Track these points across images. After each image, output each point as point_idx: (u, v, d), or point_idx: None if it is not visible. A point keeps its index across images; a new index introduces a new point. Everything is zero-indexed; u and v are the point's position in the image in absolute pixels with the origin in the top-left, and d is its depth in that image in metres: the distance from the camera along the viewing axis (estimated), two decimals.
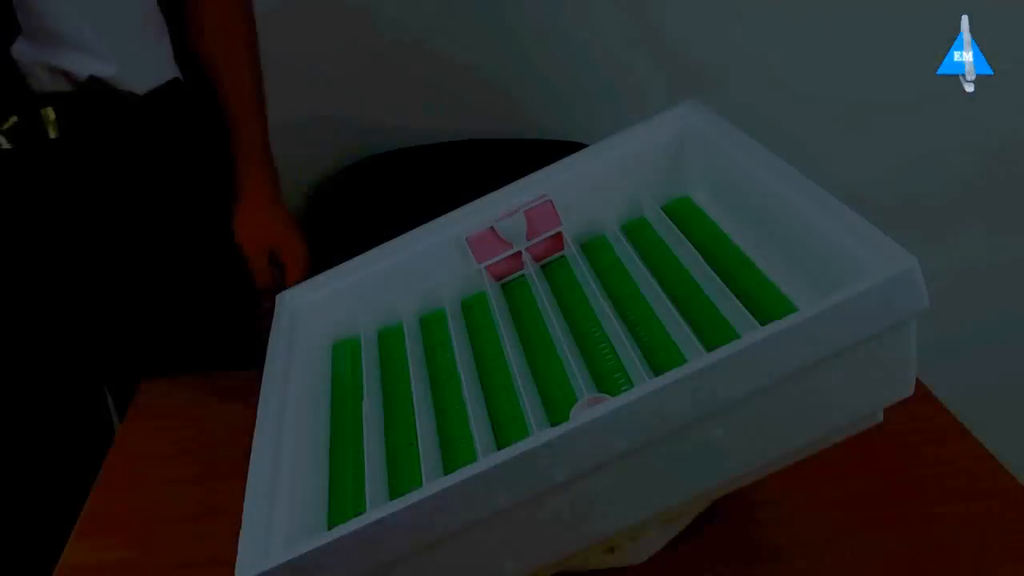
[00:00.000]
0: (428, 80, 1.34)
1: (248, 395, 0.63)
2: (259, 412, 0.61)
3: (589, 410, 0.48)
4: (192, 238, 0.89)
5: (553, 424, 0.56)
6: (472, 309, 0.72)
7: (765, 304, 0.59)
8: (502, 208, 0.72)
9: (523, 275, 0.73)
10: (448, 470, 0.57)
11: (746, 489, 0.57)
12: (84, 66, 0.76)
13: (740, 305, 0.57)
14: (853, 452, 0.60)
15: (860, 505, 0.66)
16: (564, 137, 1.36)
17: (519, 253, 0.73)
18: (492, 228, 0.72)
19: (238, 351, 0.69)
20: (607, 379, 0.60)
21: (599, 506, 0.51)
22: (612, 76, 1.37)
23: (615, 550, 0.61)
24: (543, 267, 0.73)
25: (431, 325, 0.72)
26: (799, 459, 0.55)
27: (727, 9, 1.34)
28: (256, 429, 0.59)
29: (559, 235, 0.73)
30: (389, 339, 0.72)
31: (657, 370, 0.58)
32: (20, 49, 0.72)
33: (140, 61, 0.81)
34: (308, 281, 0.75)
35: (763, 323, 0.50)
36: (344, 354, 0.72)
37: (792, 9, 1.34)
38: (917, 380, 0.53)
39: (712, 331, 0.59)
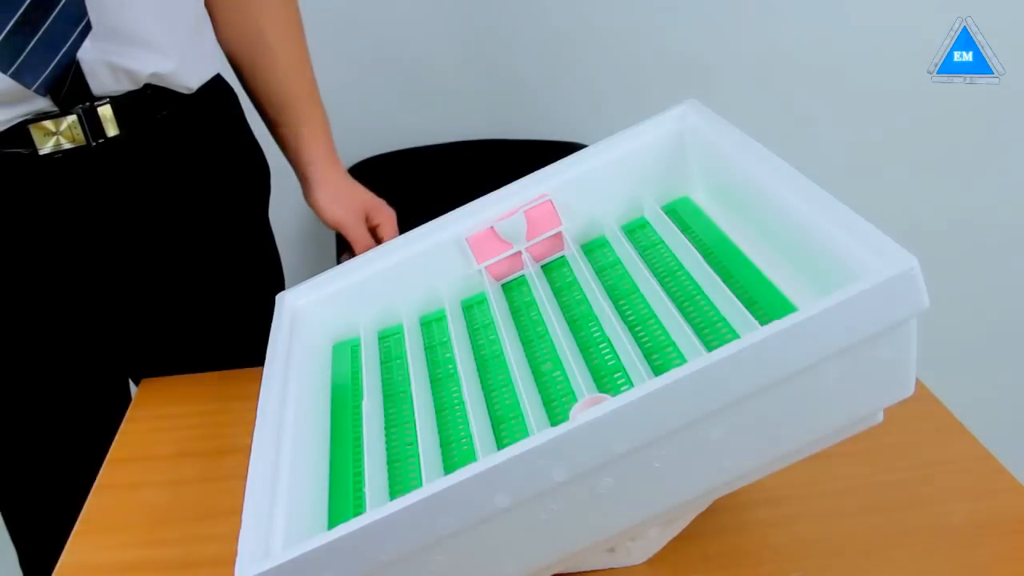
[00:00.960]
0: (428, 81, 1.34)
1: (248, 395, 0.63)
2: (259, 412, 0.61)
3: (589, 410, 0.48)
4: (232, 234, 0.90)
5: (553, 424, 0.56)
6: (472, 309, 0.72)
7: (765, 304, 0.59)
8: (502, 208, 0.72)
9: (523, 275, 0.73)
10: (448, 470, 0.57)
11: (746, 489, 0.57)
12: (147, 64, 0.76)
13: (740, 305, 0.57)
14: (853, 452, 0.60)
15: (859, 505, 0.66)
16: (564, 137, 1.36)
17: (519, 253, 0.73)
18: (492, 228, 0.72)
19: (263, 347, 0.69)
20: (607, 379, 0.60)
21: (599, 506, 0.51)
22: (612, 76, 1.37)
23: (615, 550, 0.61)
24: (543, 267, 0.73)
25: (431, 325, 0.72)
26: (799, 459, 0.55)
27: (727, 9, 1.34)
28: (256, 429, 0.59)
29: (559, 235, 0.73)
30: (389, 339, 0.72)
31: (657, 370, 0.58)
32: (84, 48, 0.72)
33: (194, 57, 0.81)
34: (308, 281, 0.75)
35: (763, 323, 0.50)
36: (344, 354, 0.72)
37: (792, 9, 1.34)
38: (917, 380, 0.53)
39: (712, 331, 0.59)
